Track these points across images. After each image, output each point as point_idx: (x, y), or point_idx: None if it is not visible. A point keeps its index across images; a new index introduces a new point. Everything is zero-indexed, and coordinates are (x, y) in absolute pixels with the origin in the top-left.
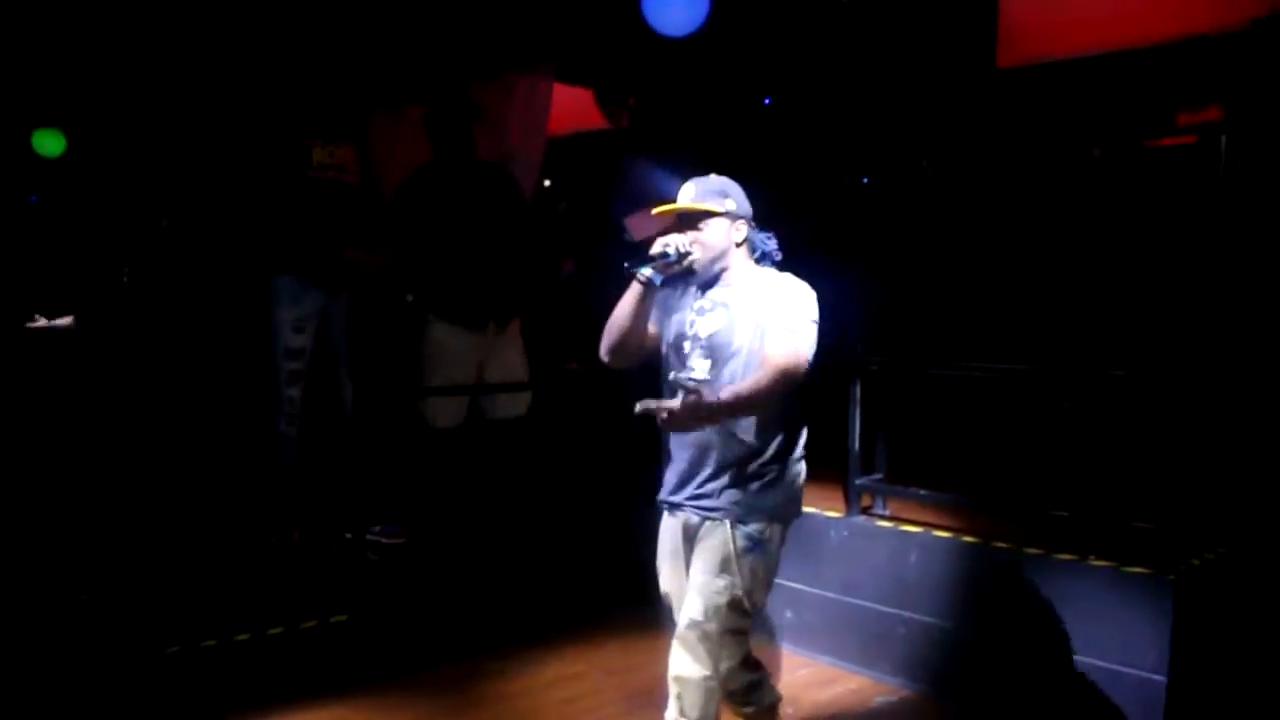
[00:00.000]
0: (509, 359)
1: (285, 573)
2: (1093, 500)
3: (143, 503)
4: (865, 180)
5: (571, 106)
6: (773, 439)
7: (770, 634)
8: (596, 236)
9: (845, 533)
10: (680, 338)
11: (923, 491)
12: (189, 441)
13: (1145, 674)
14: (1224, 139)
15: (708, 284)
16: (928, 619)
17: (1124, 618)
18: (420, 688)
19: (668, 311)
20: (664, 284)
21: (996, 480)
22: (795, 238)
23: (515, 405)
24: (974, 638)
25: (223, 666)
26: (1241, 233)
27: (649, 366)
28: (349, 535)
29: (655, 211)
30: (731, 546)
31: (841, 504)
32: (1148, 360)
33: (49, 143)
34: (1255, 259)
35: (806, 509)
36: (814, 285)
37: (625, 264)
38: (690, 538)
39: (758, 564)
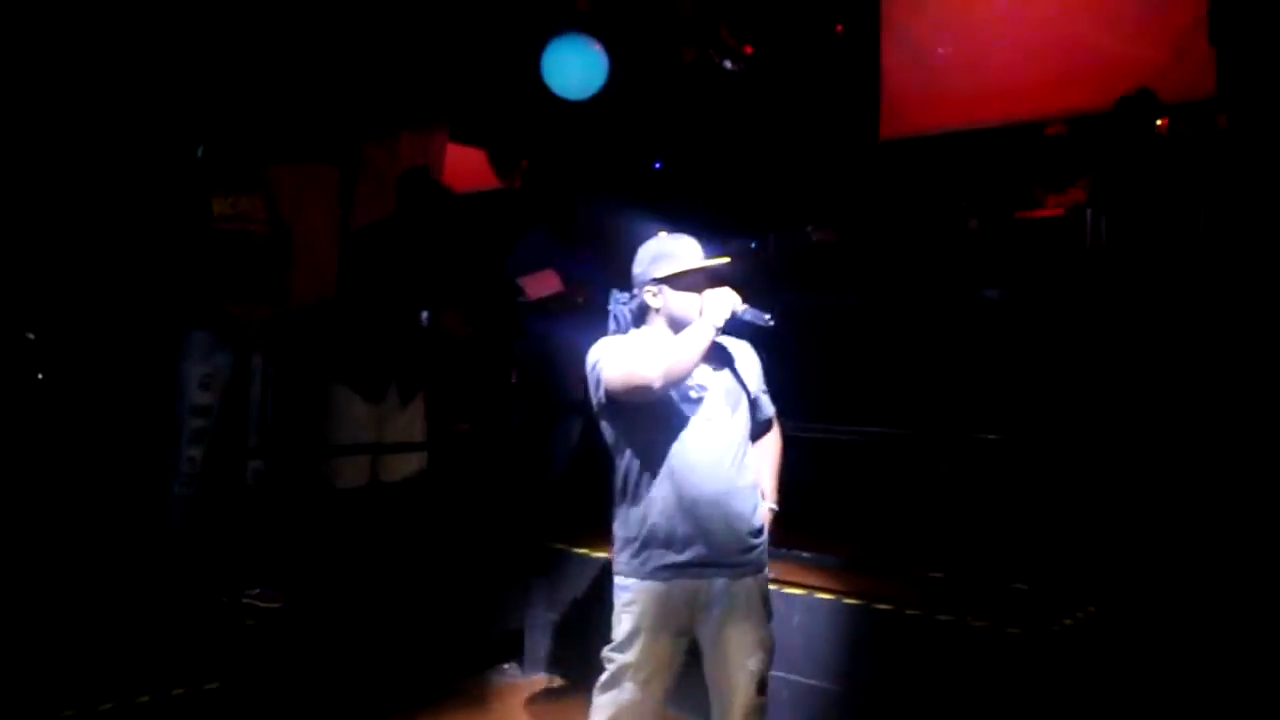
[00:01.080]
0: (409, 426)
1: (156, 637)
2: (970, 560)
3: (14, 561)
4: (754, 245)
5: (465, 167)
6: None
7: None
8: (490, 296)
9: None
10: (689, 387)
11: (805, 554)
12: (68, 501)
13: None
14: (1089, 213)
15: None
16: (812, 681)
17: (1003, 677)
18: None
19: None
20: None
21: (877, 541)
22: None
23: (409, 465)
24: (859, 700)
25: None
26: (1106, 302)
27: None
28: (225, 599)
29: (709, 263)
30: (763, 596)
31: None
32: (1021, 424)
33: None
34: (1120, 328)
35: None
36: None
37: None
38: (705, 603)
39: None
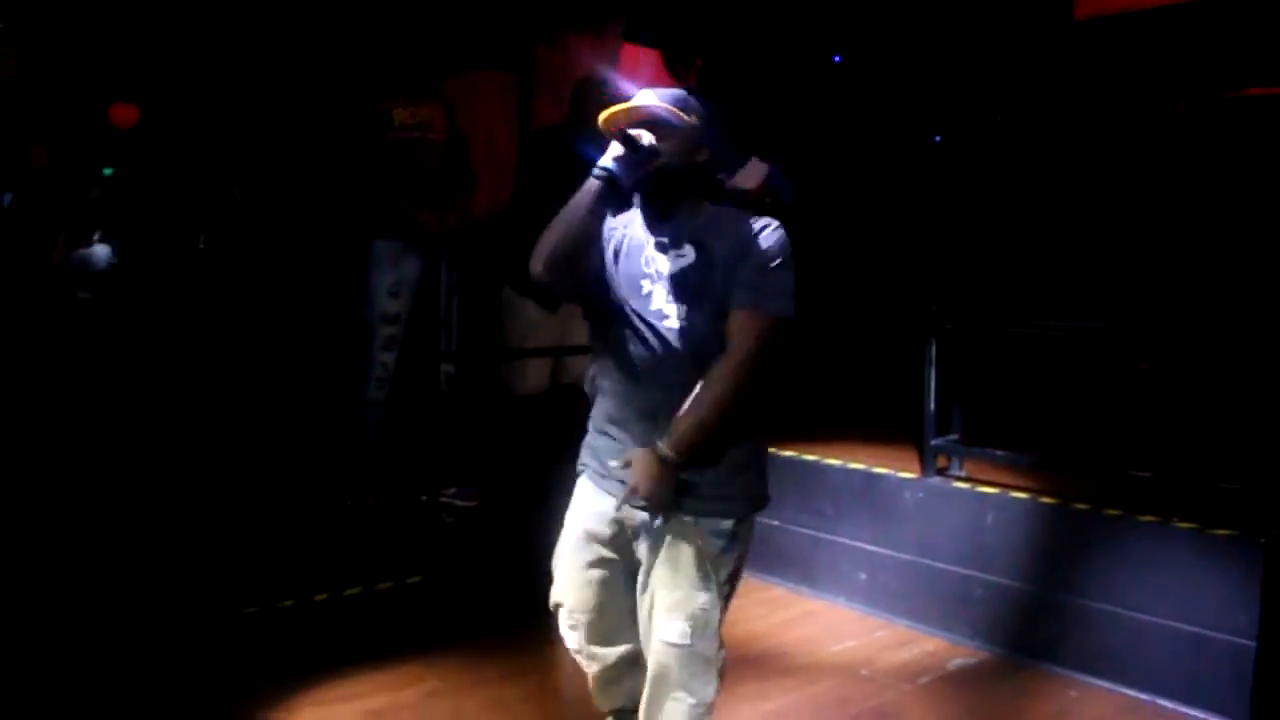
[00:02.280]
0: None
1: (361, 535)
2: (1176, 461)
3: (223, 466)
4: (937, 138)
5: (637, 68)
6: (740, 409)
7: (844, 595)
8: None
9: (920, 494)
10: (636, 275)
11: (999, 452)
12: (270, 405)
13: (1234, 639)
14: None
15: (659, 216)
16: (1005, 581)
17: (1210, 581)
18: (493, 649)
19: (605, 243)
20: (622, 192)
21: (1075, 441)
22: (870, 195)
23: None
24: (1053, 600)
25: (301, 626)
26: None
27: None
28: (424, 498)
29: (605, 115)
30: (705, 548)
31: (916, 465)
32: (1232, 317)
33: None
34: None
35: (881, 469)
36: (887, 244)
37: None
38: (635, 534)
39: (732, 564)
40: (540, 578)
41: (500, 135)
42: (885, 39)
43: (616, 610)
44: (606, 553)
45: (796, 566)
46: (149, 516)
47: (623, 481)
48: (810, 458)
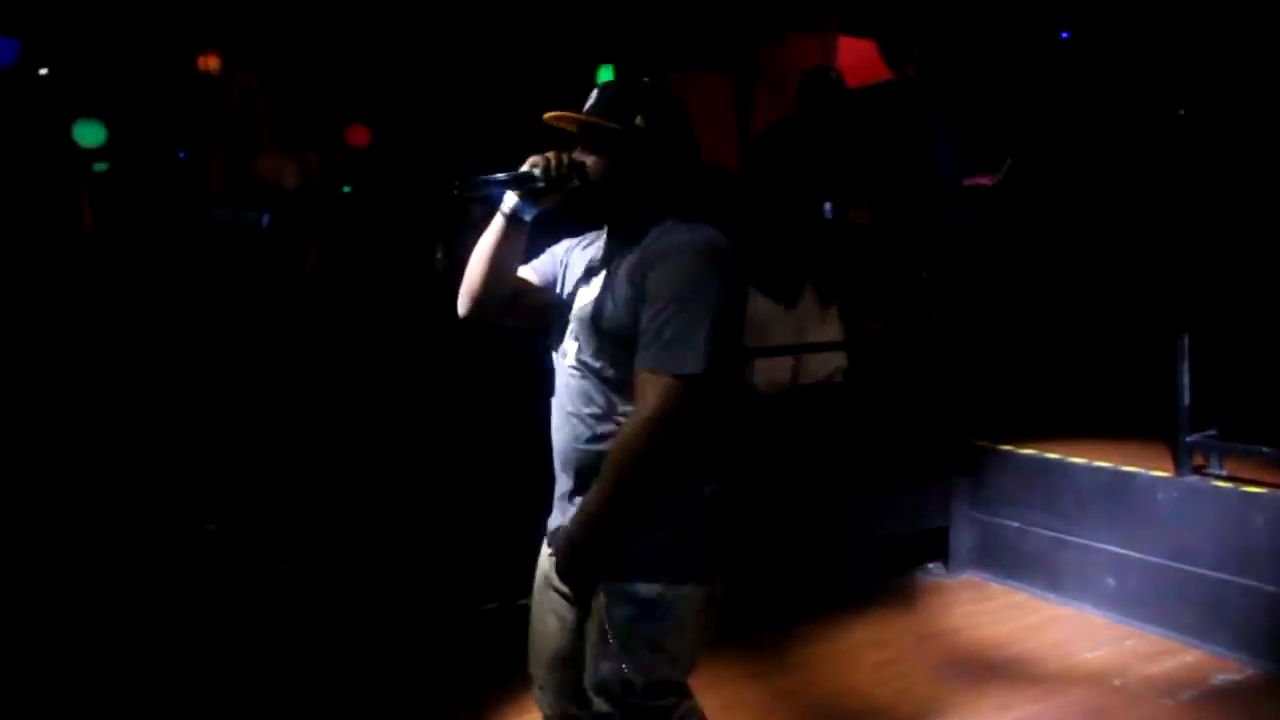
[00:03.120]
0: (828, 329)
1: None
2: None
3: (466, 465)
4: (1181, 112)
5: (854, 60)
6: (649, 475)
7: (1091, 600)
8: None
9: (1175, 494)
10: (570, 306)
11: (1265, 449)
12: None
13: None
14: None
15: (610, 237)
16: (1276, 589)
17: None
18: (727, 650)
19: (569, 268)
20: (537, 219)
21: None
22: (1110, 179)
23: (829, 367)
24: None
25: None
26: None
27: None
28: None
29: (546, 117)
30: (605, 614)
31: (1169, 463)
32: None
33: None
34: None
35: (1130, 468)
36: (1133, 230)
37: (480, 177)
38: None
39: (653, 634)
40: (782, 578)
41: (717, 137)
42: (1119, 11)
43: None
44: (562, 604)
45: (1039, 570)
46: (394, 514)
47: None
48: (1052, 456)
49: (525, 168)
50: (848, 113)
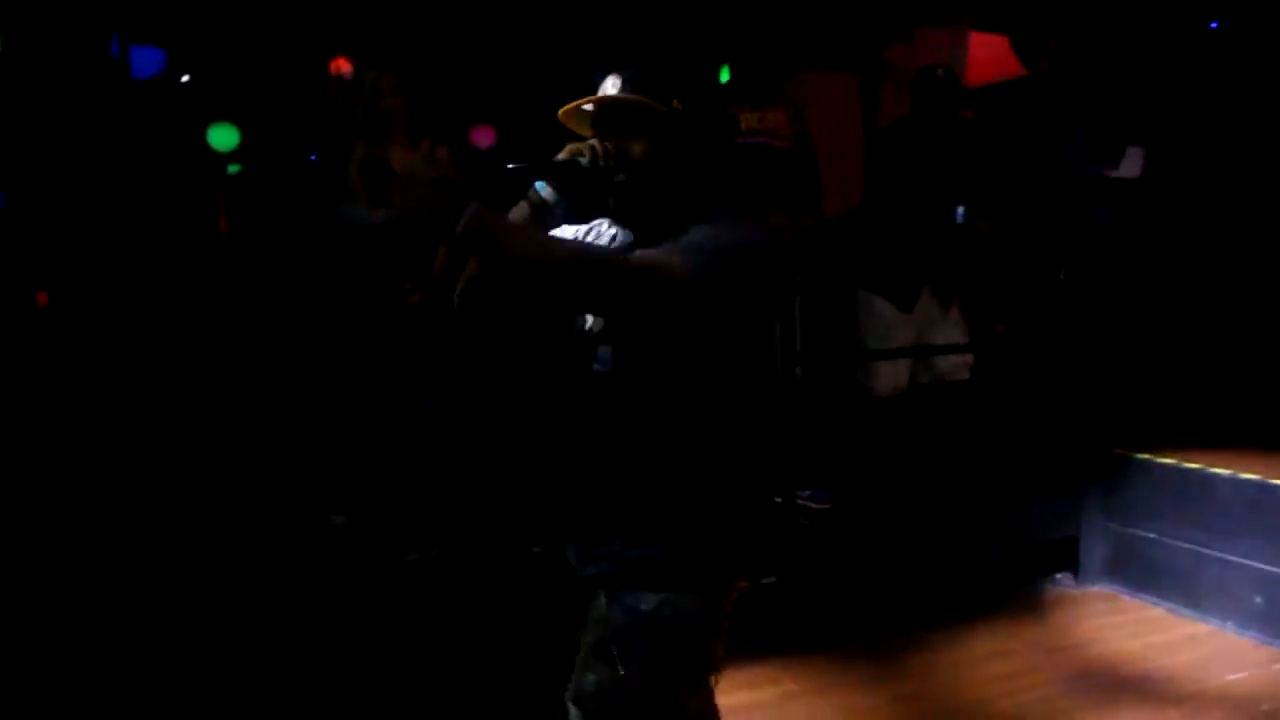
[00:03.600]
0: (948, 332)
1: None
2: None
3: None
4: None
5: (986, 55)
6: (677, 444)
7: (1235, 620)
8: (1015, 186)
9: None
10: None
11: None
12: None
13: None
14: None
15: (641, 231)
16: None
17: None
18: (848, 654)
19: None
20: (568, 210)
21: None
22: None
23: (949, 370)
24: None
25: None
26: None
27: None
28: (779, 500)
29: (563, 110)
30: (604, 624)
31: None
32: None
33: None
34: None
35: (1277, 480)
36: None
37: (511, 165)
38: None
39: (653, 647)
40: (905, 584)
41: (846, 135)
42: None
43: None
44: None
45: (1177, 584)
46: (518, 507)
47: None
48: (1193, 466)
49: (564, 155)
50: (960, 110)
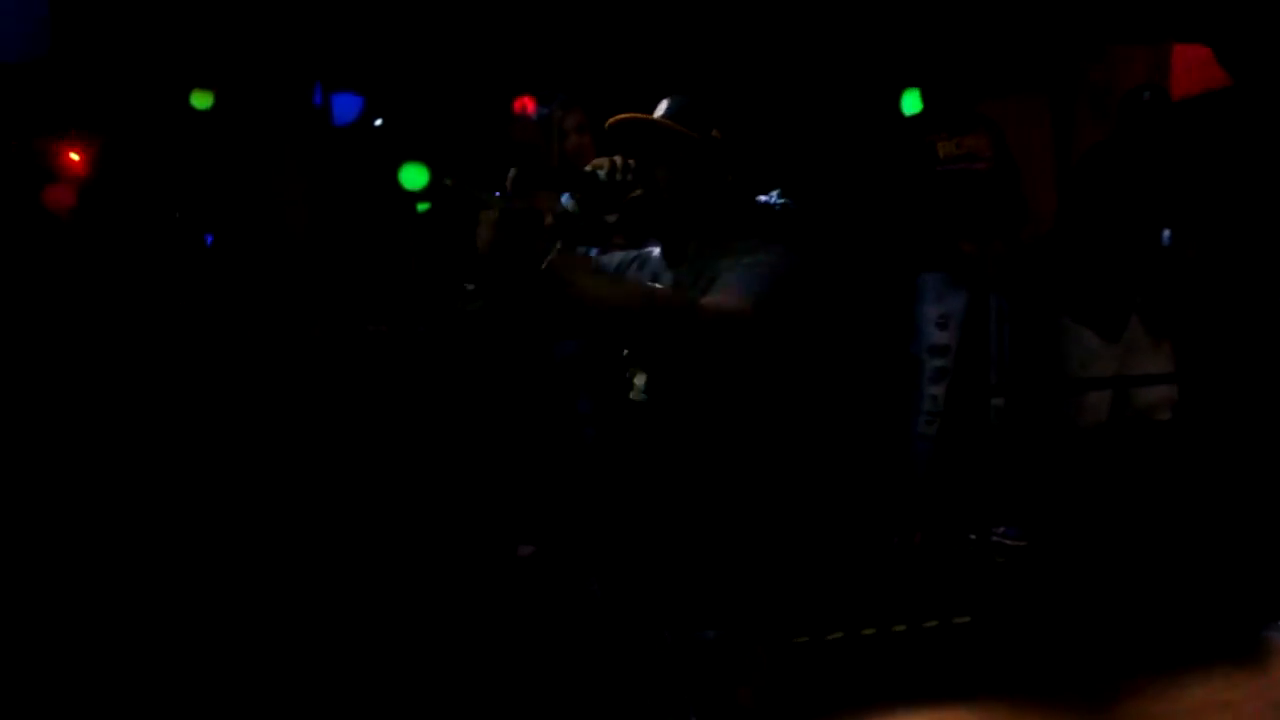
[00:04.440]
0: (1156, 363)
1: (908, 572)
2: None
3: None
4: None
5: (1188, 66)
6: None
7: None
8: (1225, 206)
9: None
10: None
11: None
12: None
13: None
14: None
15: (669, 254)
16: None
17: None
18: (1049, 699)
19: None
20: (591, 224)
21: None
22: None
23: (1157, 403)
24: None
25: (847, 659)
26: None
27: None
28: (973, 536)
29: (608, 123)
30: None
31: None
32: None
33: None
34: None
35: None
36: None
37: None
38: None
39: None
40: (1111, 627)
41: (1037, 159)
42: None
43: None
44: None
45: None
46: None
47: None
48: None
49: (589, 168)
50: (1171, 132)
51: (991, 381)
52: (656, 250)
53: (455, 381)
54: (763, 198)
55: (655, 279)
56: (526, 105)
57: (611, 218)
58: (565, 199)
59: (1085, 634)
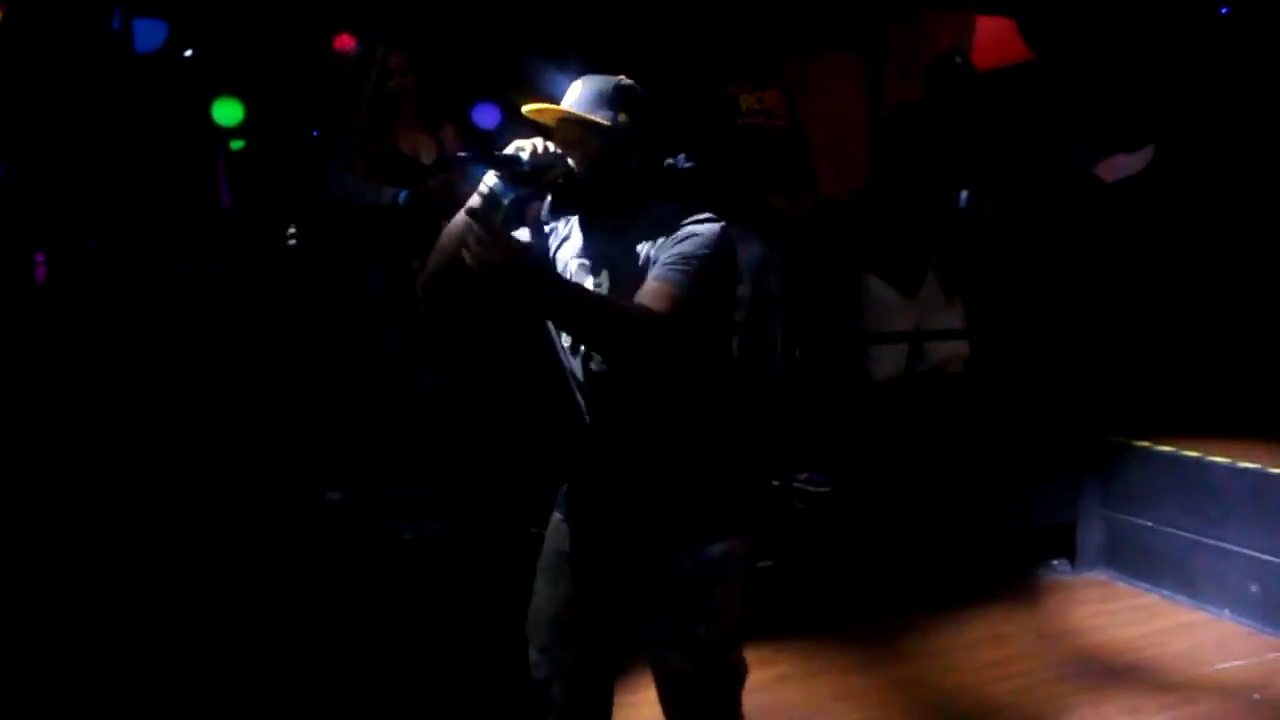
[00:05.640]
0: (950, 319)
1: None
2: None
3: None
4: None
5: (990, 39)
6: (710, 422)
7: (1230, 607)
8: (1019, 172)
9: None
10: None
11: None
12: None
13: None
14: None
15: (589, 227)
16: None
17: None
18: (843, 637)
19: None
20: (514, 203)
21: None
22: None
23: (949, 357)
24: None
25: None
26: None
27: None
28: (776, 482)
29: (525, 110)
30: (686, 578)
31: None
32: None
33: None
34: None
35: (1278, 469)
36: None
37: (461, 153)
38: (617, 564)
39: (728, 592)
40: (900, 569)
41: (849, 118)
42: None
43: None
44: (569, 571)
45: (1173, 572)
46: (515, 486)
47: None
48: (1191, 454)
49: (509, 150)
50: (976, 99)
51: (780, 333)
52: (575, 221)
53: (259, 322)
54: (669, 160)
55: (568, 253)
56: (345, 42)
57: (526, 191)
58: (489, 178)
59: (880, 575)
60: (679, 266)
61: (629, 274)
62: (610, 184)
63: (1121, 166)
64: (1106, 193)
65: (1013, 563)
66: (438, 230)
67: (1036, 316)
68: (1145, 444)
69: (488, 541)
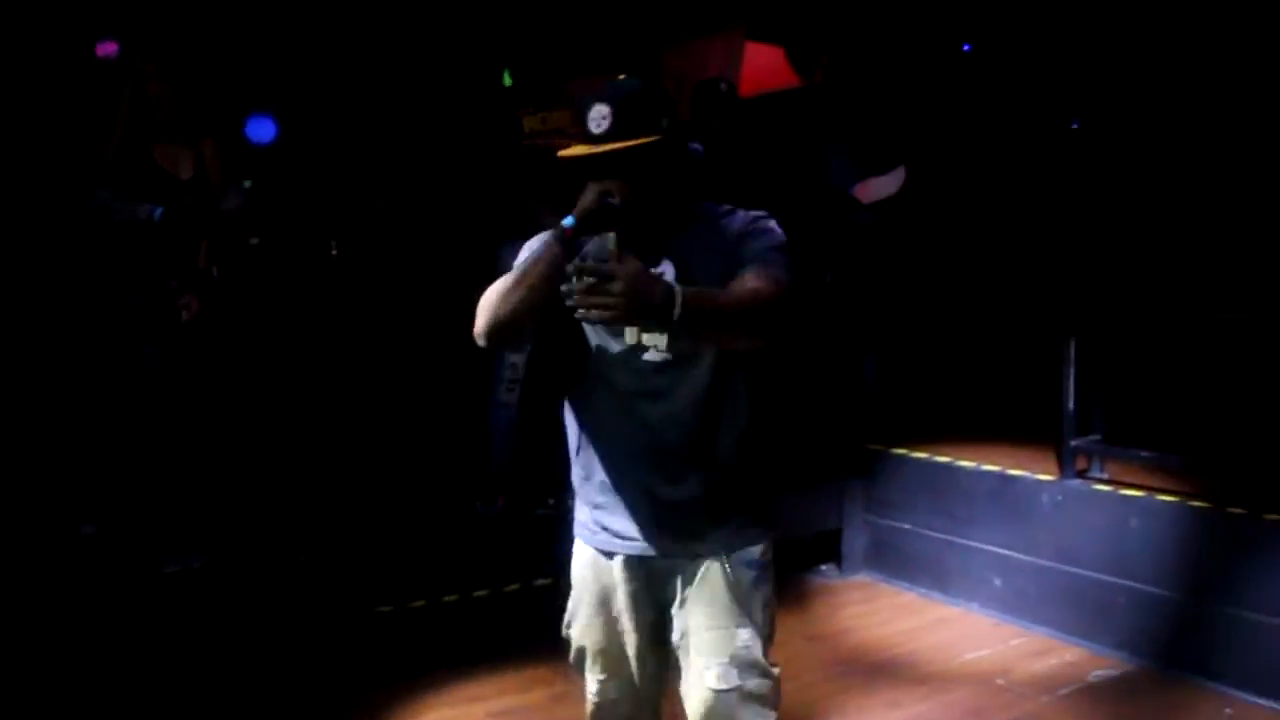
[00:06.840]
0: None
1: (490, 538)
2: None
3: (354, 468)
4: (1075, 124)
5: (761, 66)
6: (741, 422)
7: (978, 601)
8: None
9: (1059, 497)
10: None
11: (1144, 453)
12: (402, 408)
13: None
14: None
15: (632, 231)
16: (1152, 589)
17: None
18: None
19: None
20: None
21: (1225, 440)
22: (1003, 188)
23: None
24: (1205, 610)
25: (430, 627)
26: None
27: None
28: (552, 501)
29: (562, 154)
30: (732, 583)
31: (1054, 466)
32: None
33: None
34: None
35: (1016, 471)
36: (1022, 238)
37: (564, 222)
38: (659, 583)
39: (766, 593)
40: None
41: None
42: (1017, 24)
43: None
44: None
45: (928, 571)
46: (282, 516)
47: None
48: (942, 459)
49: (592, 201)
50: (739, 124)
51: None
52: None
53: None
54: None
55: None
56: (108, 49)
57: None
58: (610, 241)
59: None
60: (775, 255)
61: (693, 270)
62: (672, 194)
63: (877, 188)
64: (866, 213)
65: (784, 570)
66: (195, 248)
67: (800, 330)
68: (902, 451)
69: (258, 574)
